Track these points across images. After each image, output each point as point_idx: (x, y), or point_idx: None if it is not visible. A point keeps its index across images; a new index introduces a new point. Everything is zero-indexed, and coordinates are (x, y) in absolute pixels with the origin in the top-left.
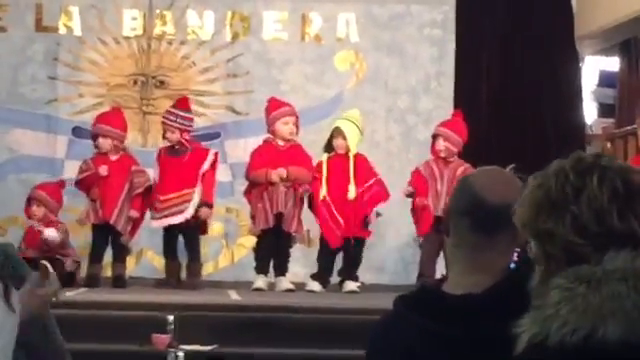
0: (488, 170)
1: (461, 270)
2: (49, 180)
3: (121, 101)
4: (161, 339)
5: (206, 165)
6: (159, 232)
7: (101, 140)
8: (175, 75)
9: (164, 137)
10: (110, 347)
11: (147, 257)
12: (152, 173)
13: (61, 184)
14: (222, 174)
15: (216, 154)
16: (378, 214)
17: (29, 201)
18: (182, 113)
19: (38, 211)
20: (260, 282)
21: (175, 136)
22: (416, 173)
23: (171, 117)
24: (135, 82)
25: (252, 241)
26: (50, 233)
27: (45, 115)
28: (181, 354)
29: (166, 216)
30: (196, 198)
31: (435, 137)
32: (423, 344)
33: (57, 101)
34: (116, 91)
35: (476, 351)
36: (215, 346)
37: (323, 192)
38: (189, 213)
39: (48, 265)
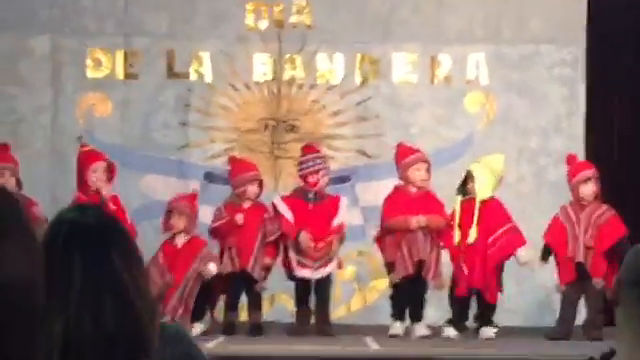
0: None
1: (630, 343)
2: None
3: (253, 146)
4: None
5: (341, 215)
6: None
7: (249, 188)
8: (305, 119)
9: (309, 183)
10: None
11: (281, 301)
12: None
13: (195, 196)
14: (354, 217)
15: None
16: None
17: (168, 214)
18: (319, 155)
19: (179, 222)
20: (397, 328)
21: (325, 180)
22: (555, 222)
23: (310, 162)
24: (266, 127)
25: (384, 284)
26: (212, 268)
27: (177, 161)
28: None
29: (311, 267)
30: (336, 249)
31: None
32: None
33: (188, 147)
34: (247, 136)
35: None
36: None
37: (456, 238)
38: (333, 266)
39: None
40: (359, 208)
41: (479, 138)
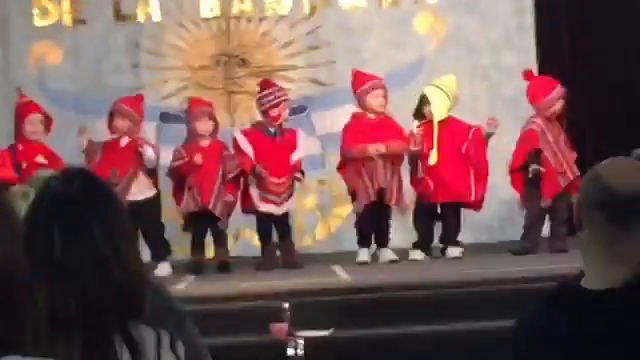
0: (616, 161)
1: (598, 264)
2: None
3: (206, 83)
4: (280, 328)
5: (299, 150)
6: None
7: (198, 124)
8: (256, 52)
9: (270, 118)
10: (228, 340)
11: (246, 236)
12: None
13: (140, 98)
14: (312, 147)
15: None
16: None
17: (112, 115)
18: (278, 88)
19: (123, 125)
20: (364, 255)
21: (286, 113)
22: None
23: (283, 92)
24: (218, 63)
25: (347, 211)
26: (150, 154)
27: None
28: (301, 341)
29: (275, 203)
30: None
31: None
32: (569, 343)
33: (142, 88)
34: (200, 73)
35: (621, 348)
36: (332, 330)
37: (433, 159)
38: (293, 203)
39: None
40: (316, 137)
41: (431, 59)
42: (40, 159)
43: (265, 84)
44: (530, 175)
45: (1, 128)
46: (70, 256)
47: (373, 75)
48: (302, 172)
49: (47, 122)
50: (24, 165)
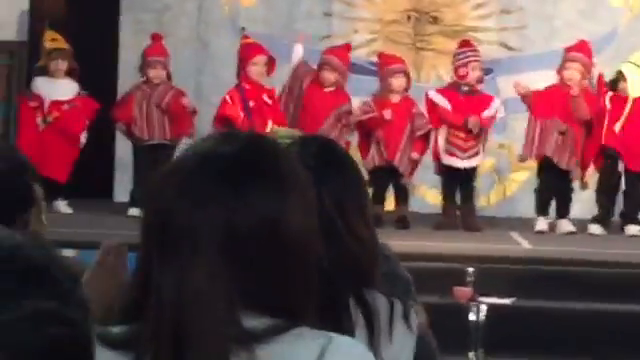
0: None
1: None
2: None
3: (395, 37)
4: (463, 292)
5: (490, 112)
6: (430, 167)
7: (393, 80)
8: (448, 11)
9: (459, 76)
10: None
11: (420, 192)
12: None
13: (348, 47)
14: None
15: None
16: None
17: (320, 67)
18: (470, 49)
19: (331, 76)
20: (542, 224)
21: (477, 74)
22: None
23: (476, 53)
24: (409, 18)
25: (524, 176)
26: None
27: (320, 51)
28: (484, 307)
29: (460, 157)
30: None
31: None
32: None
33: (331, 37)
34: (390, 27)
35: None
36: (514, 299)
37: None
38: (480, 159)
39: None
40: (500, 100)
41: (622, 32)
42: (265, 99)
43: (461, 44)
44: None
45: (190, 62)
46: None
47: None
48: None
49: (270, 63)
50: (251, 104)
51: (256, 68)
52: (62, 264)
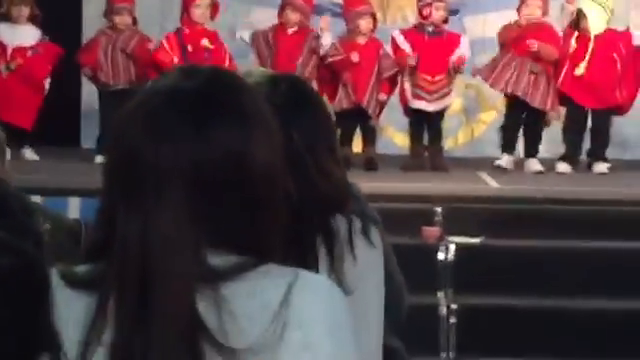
0: None
1: None
2: None
3: None
4: (431, 232)
5: (462, 51)
6: (397, 108)
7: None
8: None
9: (422, 17)
10: None
11: (388, 134)
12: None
13: None
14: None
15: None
16: None
17: (283, 8)
18: None
19: (294, 17)
20: (504, 161)
21: (441, 14)
22: None
23: None
24: None
25: (492, 117)
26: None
27: None
28: (452, 247)
29: (426, 100)
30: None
31: None
32: None
33: None
34: None
35: None
36: (482, 238)
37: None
38: (449, 100)
39: None
40: (467, 41)
41: None
42: (205, 43)
43: None
44: None
45: (154, 6)
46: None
47: None
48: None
49: (213, 7)
50: (190, 48)
51: (198, 10)
52: (19, 198)
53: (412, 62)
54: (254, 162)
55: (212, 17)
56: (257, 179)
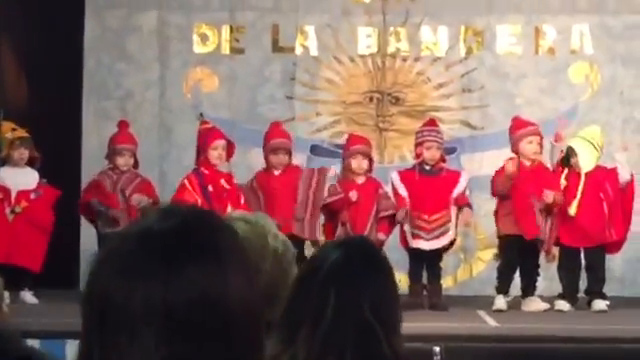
0: None
1: None
2: None
3: (358, 119)
4: None
5: (460, 189)
6: (396, 249)
7: (354, 161)
8: (410, 91)
9: (415, 155)
10: None
11: None
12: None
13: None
14: None
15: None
16: None
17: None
18: (427, 129)
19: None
20: (500, 303)
21: (437, 153)
22: None
23: (432, 134)
24: (371, 99)
25: (490, 255)
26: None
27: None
28: None
29: (425, 239)
30: (453, 220)
31: None
32: None
33: (295, 120)
34: (353, 109)
35: None
36: None
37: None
38: (448, 239)
39: None
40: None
41: (584, 109)
42: (223, 183)
43: (423, 123)
44: None
45: (153, 148)
46: (339, 322)
47: (531, 122)
48: (469, 206)
49: (229, 147)
50: (210, 188)
51: (216, 152)
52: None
53: (401, 217)
54: (231, 301)
55: (227, 158)
56: (233, 320)
